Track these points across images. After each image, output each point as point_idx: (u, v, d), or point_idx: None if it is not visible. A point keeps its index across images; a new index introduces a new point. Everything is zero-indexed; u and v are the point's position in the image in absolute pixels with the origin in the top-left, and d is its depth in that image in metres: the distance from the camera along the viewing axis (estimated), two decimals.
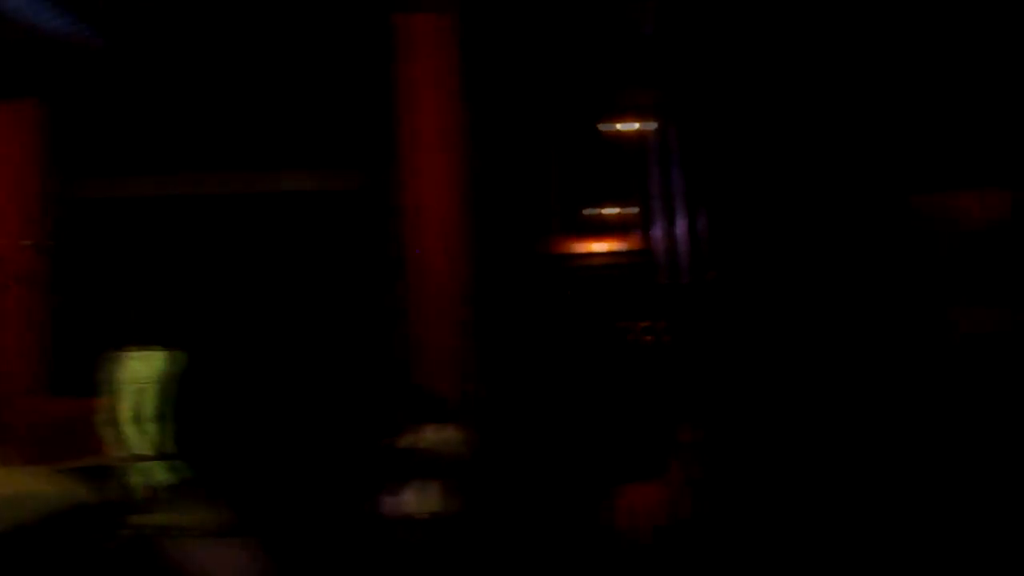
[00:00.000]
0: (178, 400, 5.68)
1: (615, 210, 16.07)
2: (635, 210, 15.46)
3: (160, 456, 5.50)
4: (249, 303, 8.05)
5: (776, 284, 13.91)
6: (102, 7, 8.33)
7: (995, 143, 11.96)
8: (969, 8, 10.09)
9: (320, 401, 6.70)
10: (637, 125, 14.78)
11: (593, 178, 15.75)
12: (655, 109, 14.04)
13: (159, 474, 5.39)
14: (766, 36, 10.79)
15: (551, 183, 15.00)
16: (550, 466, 6.99)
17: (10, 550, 3.69)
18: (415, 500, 4.61)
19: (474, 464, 5.96)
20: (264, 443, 5.84)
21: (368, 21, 8.71)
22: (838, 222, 13.97)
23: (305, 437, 6.07)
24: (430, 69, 8.32)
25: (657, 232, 14.57)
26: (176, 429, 5.64)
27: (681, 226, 14.06)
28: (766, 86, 11.75)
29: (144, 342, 5.68)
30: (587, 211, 16.10)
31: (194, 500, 4.81)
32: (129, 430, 5.41)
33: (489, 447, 6.90)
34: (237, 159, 8.98)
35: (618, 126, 14.91)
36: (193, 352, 6.03)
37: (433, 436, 5.87)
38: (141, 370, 5.64)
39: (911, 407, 9.37)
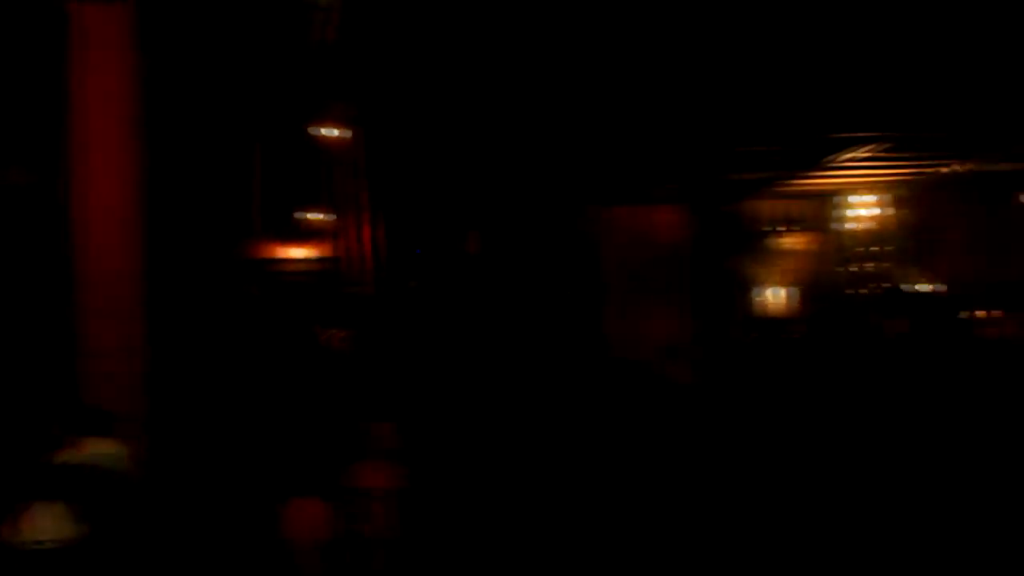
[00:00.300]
0: None
1: (314, 217, 15.91)
2: (332, 218, 15.41)
3: None
4: None
5: (454, 290, 14.33)
6: None
7: (670, 162, 12.90)
8: (646, 38, 10.79)
9: None
10: (337, 133, 14.73)
11: (293, 185, 15.53)
12: (352, 119, 14.07)
13: None
14: (447, 53, 11.06)
15: (249, 188, 14.62)
16: (223, 479, 6.76)
17: None
18: (59, 521, 4.25)
19: (138, 480, 5.65)
20: None
21: (39, 9, 8.11)
22: (516, 232, 14.62)
23: None
24: (105, 63, 7.82)
25: (349, 240, 14.61)
26: None
27: (369, 234, 14.18)
28: (448, 101, 12.07)
29: None
30: (286, 217, 15.84)
31: None
32: None
33: (158, 461, 6.58)
34: None
35: (321, 133, 14.79)
36: None
37: (94, 451, 5.51)
38: None
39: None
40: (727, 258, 14.82)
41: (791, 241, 15.86)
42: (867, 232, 15.62)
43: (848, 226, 15.67)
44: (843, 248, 15.64)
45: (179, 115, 8.98)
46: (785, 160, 13.16)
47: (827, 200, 15.82)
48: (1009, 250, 16.55)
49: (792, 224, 15.53)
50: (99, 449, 5.52)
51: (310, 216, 15.65)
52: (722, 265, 14.45)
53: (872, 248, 15.52)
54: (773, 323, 14.54)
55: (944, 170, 14.48)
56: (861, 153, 12.56)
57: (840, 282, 15.50)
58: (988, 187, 15.58)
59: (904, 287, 14.83)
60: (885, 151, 12.63)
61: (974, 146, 13.12)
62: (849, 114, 11.35)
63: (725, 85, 10.83)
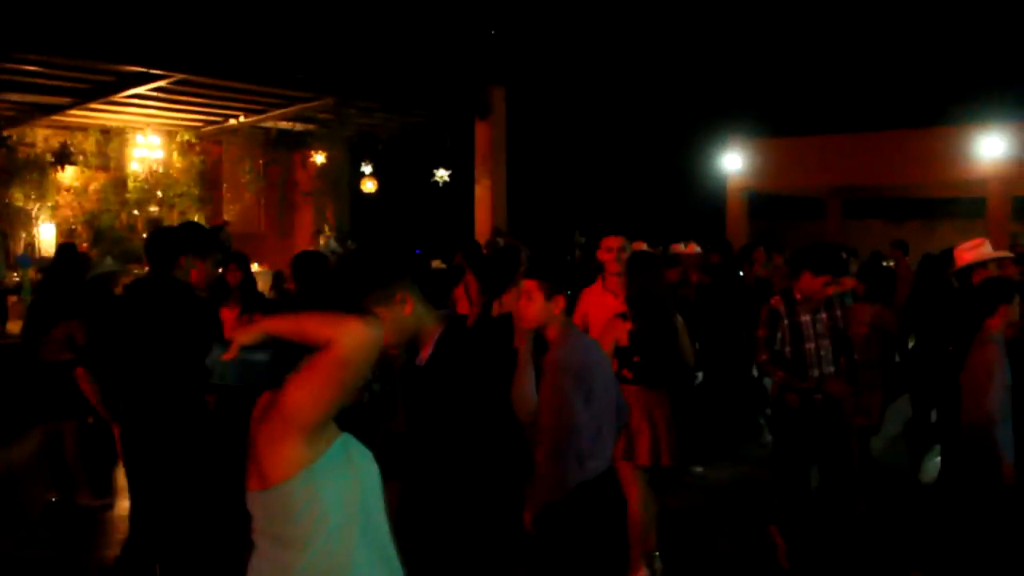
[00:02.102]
0: None
1: None
2: None
3: None
4: None
5: None
6: None
7: None
8: None
9: None
10: None
11: None
12: None
13: None
14: None
15: None
16: None
17: None
18: None
19: None
20: None
21: None
22: None
23: None
24: None
25: None
26: None
27: None
28: None
29: None
30: None
31: None
32: None
33: None
34: None
35: None
36: None
37: None
38: None
39: None
40: None
41: (70, 176, 14.64)
42: (154, 175, 15.01)
43: (133, 166, 14.89)
44: (126, 189, 14.81)
45: None
46: (65, 87, 12.05)
47: (113, 136, 14.86)
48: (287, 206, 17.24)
49: (71, 158, 14.31)
50: None
51: None
52: None
53: (157, 192, 14.96)
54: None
55: (233, 122, 14.50)
56: (145, 91, 11.93)
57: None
58: (279, 143, 15.99)
59: None
60: (170, 92, 12.18)
61: (254, 100, 13.31)
62: (137, 47, 10.66)
63: None
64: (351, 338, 1.97)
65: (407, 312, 2.72)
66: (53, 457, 6.82)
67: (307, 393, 1.98)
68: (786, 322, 5.13)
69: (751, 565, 5.48)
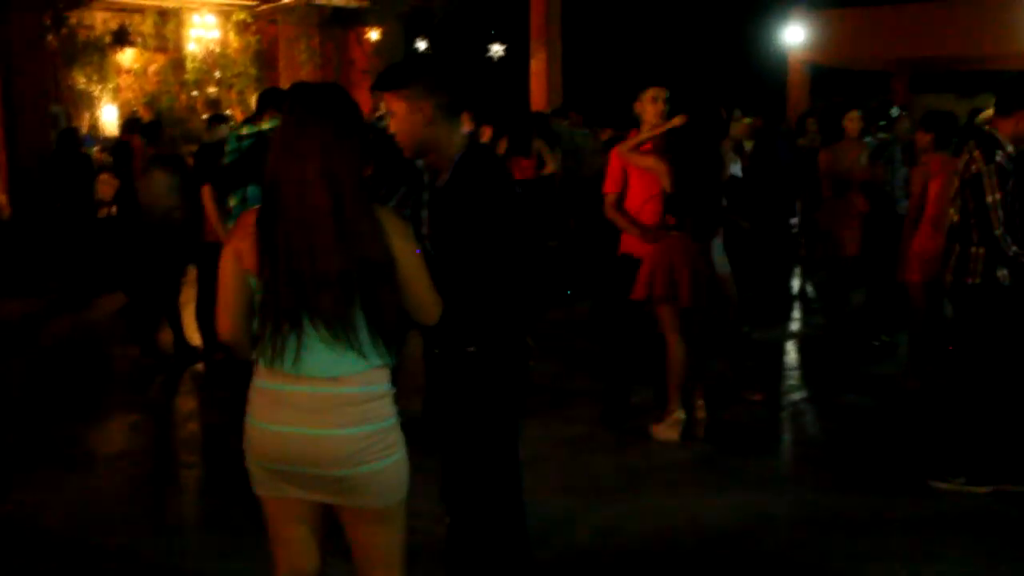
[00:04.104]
0: None
1: None
2: None
3: None
4: None
5: None
6: None
7: None
8: None
9: None
10: None
11: None
12: None
13: None
14: None
15: None
16: None
17: None
18: None
19: None
20: None
21: None
22: None
23: None
24: None
25: None
26: None
27: None
28: None
29: None
30: None
31: None
32: None
33: None
34: None
35: None
36: None
37: None
38: None
39: None
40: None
41: (130, 58, 14.80)
42: (212, 55, 15.11)
43: (191, 47, 15.00)
44: (184, 70, 14.95)
45: None
46: None
47: (169, 17, 14.95)
48: (344, 85, 17.16)
49: (129, 39, 14.44)
50: None
51: None
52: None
53: (215, 73, 15.09)
54: None
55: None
56: None
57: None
58: (333, 21, 15.91)
59: None
60: None
61: None
62: None
63: None
64: None
65: (425, 118, 2.66)
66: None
67: None
68: (1011, 181, 4.21)
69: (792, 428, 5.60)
